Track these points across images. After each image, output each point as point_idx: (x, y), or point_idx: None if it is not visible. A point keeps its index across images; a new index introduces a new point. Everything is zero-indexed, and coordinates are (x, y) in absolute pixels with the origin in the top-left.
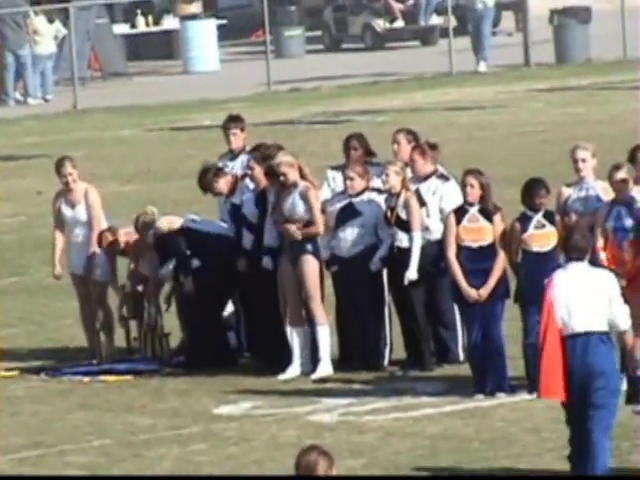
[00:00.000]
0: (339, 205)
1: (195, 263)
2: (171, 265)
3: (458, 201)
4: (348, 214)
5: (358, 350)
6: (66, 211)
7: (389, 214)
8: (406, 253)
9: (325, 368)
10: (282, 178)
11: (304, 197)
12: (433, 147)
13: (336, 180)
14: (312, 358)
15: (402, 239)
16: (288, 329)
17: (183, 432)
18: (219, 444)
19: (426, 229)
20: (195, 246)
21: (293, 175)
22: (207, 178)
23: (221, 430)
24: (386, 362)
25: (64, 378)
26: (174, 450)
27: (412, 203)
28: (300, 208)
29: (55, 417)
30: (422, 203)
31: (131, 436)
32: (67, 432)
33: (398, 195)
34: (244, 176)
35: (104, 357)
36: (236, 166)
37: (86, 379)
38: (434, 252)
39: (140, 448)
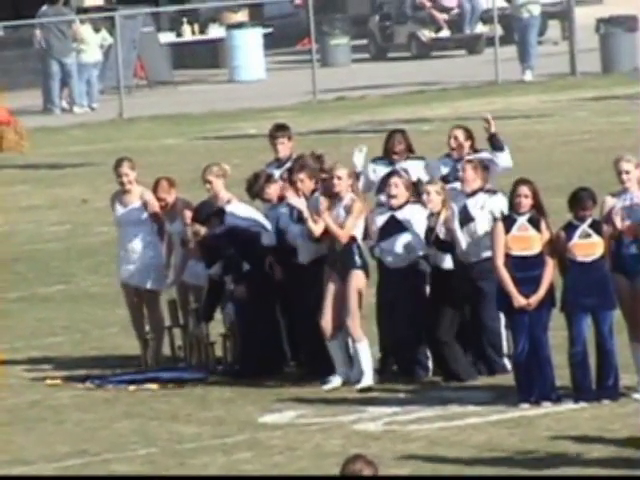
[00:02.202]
0: (382, 218)
1: (245, 266)
2: (219, 267)
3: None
4: (391, 227)
5: (400, 362)
6: (119, 211)
7: (429, 234)
8: (446, 275)
9: (368, 379)
10: (334, 188)
11: (348, 209)
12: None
13: (377, 172)
14: (353, 368)
15: (443, 260)
16: (329, 340)
17: (228, 441)
18: (264, 453)
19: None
20: (245, 248)
21: (342, 186)
22: (258, 184)
23: (266, 439)
24: (430, 374)
25: (109, 386)
26: (219, 459)
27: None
28: (342, 219)
29: (100, 425)
30: (469, 219)
31: (176, 445)
32: (112, 440)
33: (438, 214)
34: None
35: (149, 365)
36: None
37: (131, 387)
38: (480, 269)
39: (185, 457)
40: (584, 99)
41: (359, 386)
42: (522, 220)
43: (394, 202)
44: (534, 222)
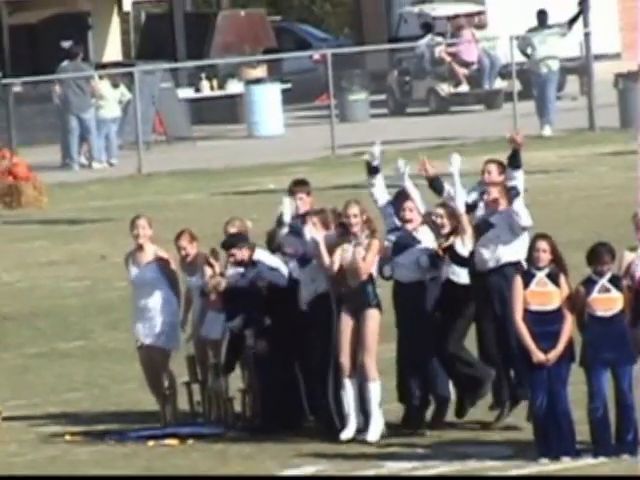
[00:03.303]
0: (395, 235)
1: (266, 321)
2: (240, 320)
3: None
4: (406, 242)
5: (418, 390)
6: (133, 271)
7: (439, 251)
8: (460, 289)
9: (376, 432)
10: (350, 227)
11: (365, 246)
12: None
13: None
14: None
15: (457, 274)
16: (346, 381)
17: None
18: None
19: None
20: (268, 302)
21: (358, 223)
22: (277, 239)
23: None
24: (452, 396)
25: (128, 442)
26: None
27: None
28: (360, 257)
29: None
30: (489, 225)
31: None
32: None
33: (449, 235)
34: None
35: (168, 421)
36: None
37: (150, 443)
38: (498, 274)
39: None
40: (603, 154)
41: (371, 438)
42: (541, 275)
43: (409, 226)
44: (553, 277)
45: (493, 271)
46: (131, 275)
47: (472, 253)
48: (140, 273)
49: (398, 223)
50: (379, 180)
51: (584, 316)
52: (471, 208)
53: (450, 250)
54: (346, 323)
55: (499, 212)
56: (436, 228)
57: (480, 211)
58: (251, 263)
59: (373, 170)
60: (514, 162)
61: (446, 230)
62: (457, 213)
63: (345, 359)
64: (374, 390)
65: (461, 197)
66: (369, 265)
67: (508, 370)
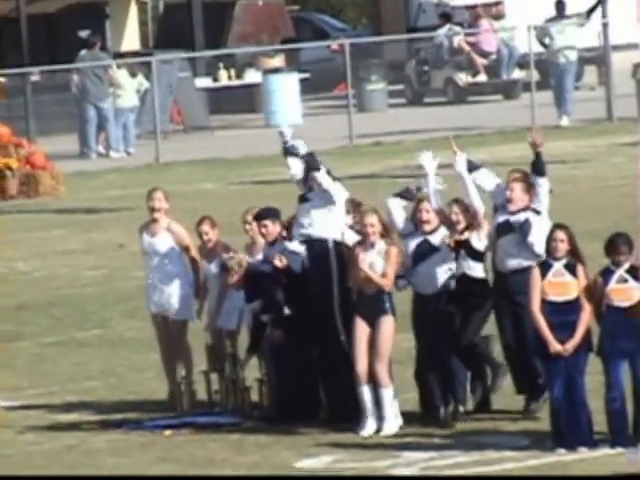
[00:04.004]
0: (414, 242)
1: (286, 311)
2: (259, 304)
3: (543, 236)
4: (425, 250)
5: (438, 399)
6: (146, 240)
7: (452, 244)
8: (476, 283)
9: (391, 427)
10: (367, 237)
11: (386, 254)
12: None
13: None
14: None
15: (473, 268)
16: (363, 388)
17: None
18: None
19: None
20: (289, 292)
21: (376, 233)
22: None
23: None
24: (470, 406)
25: (145, 431)
26: None
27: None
28: (379, 266)
29: (136, 470)
30: (509, 229)
31: None
32: None
33: (464, 230)
34: None
35: (185, 410)
36: None
37: (167, 432)
38: (517, 279)
39: None
40: (621, 144)
41: (383, 434)
42: (558, 265)
43: (427, 227)
44: (570, 268)
45: (515, 272)
46: (144, 244)
47: (492, 252)
48: (153, 243)
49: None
50: (294, 162)
51: (602, 306)
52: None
53: (466, 244)
54: (361, 330)
55: (520, 216)
56: (451, 224)
57: (501, 215)
58: (281, 238)
59: (288, 151)
60: (537, 168)
61: (461, 226)
62: (473, 209)
63: (361, 368)
64: (387, 396)
65: (476, 194)
66: (390, 278)
67: (527, 365)
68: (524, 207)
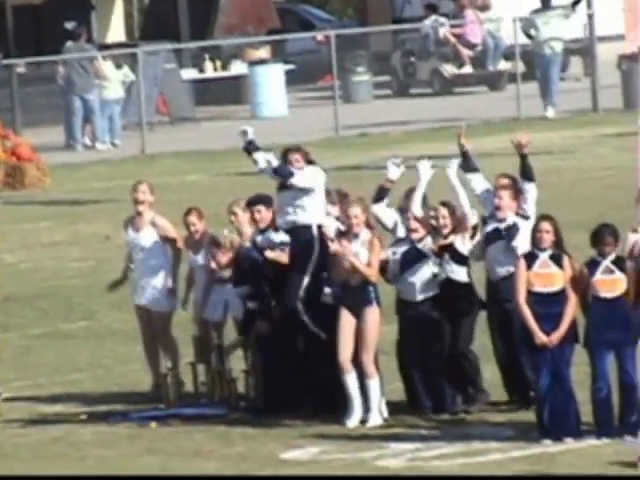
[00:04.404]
0: (402, 249)
1: (272, 302)
2: (246, 289)
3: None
4: (413, 257)
5: (425, 397)
6: (130, 235)
7: (436, 249)
8: (461, 287)
9: (376, 419)
10: (352, 228)
11: (370, 244)
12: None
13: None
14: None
15: (457, 272)
16: (347, 377)
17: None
18: None
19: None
20: (275, 283)
21: (360, 223)
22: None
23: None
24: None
25: (131, 423)
26: None
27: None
28: (363, 256)
29: (122, 462)
30: (498, 237)
31: None
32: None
33: (448, 235)
34: None
35: (171, 401)
36: None
37: (153, 424)
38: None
39: None
40: (606, 135)
41: (368, 425)
42: (544, 256)
43: (415, 236)
44: (556, 259)
45: (505, 279)
46: (128, 238)
47: (484, 260)
48: (137, 237)
49: (402, 235)
50: (260, 156)
51: (588, 297)
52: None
53: (450, 248)
54: (346, 321)
55: (508, 220)
56: (438, 228)
57: (490, 224)
58: (272, 227)
59: (249, 147)
60: (525, 173)
61: (447, 230)
62: (462, 212)
63: (345, 357)
64: (373, 387)
65: (466, 199)
66: (375, 268)
67: (519, 377)
68: (513, 213)
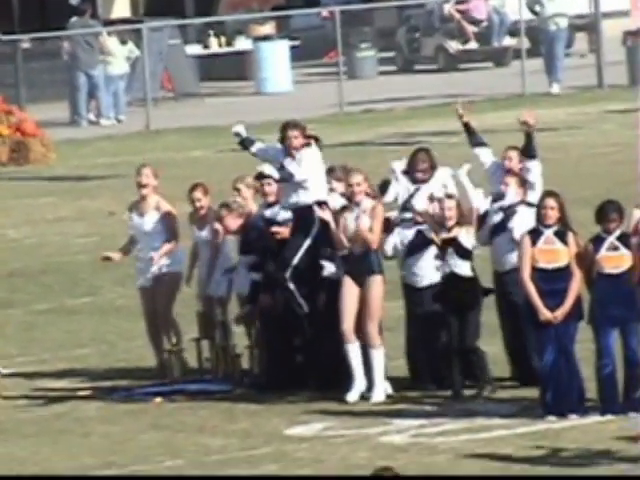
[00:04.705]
0: (408, 233)
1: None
2: (251, 259)
3: (525, 224)
4: (419, 243)
5: (429, 375)
6: (135, 219)
7: (438, 242)
8: (465, 281)
9: (379, 395)
10: (354, 196)
11: (370, 213)
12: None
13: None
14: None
15: (460, 266)
16: (350, 346)
17: (254, 453)
18: (290, 465)
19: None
20: (280, 260)
21: (361, 192)
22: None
23: (292, 451)
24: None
25: (136, 399)
26: (245, 471)
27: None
28: (366, 223)
29: (126, 438)
30: (505, 228)
31: (203, 457)
32: (138, 453)
33: (452, 228)
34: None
35: (175, 377)
36: None
37: (157, 399)
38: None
39: (212, 469)
40: (611, 111)
41: (372, 401)
42: (548, 233)
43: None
44: (561, 235)
45: (512, 271)
46: (133, 222)
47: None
48: (142, 222)
49: (408, 216)
50: (257, 147)
51: (592, 274)
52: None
53: (454, 242)
54: (350, 290)
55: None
56: (441, 220)
57: (495, 215)
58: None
59: (245, 143)
60: (528, 151)
61: (452, 222)
62: (469, 206)
63: (348, 326)
64: (377, 357)
65: (475, 195)
66: (377, 234)
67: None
68: (519, 202)
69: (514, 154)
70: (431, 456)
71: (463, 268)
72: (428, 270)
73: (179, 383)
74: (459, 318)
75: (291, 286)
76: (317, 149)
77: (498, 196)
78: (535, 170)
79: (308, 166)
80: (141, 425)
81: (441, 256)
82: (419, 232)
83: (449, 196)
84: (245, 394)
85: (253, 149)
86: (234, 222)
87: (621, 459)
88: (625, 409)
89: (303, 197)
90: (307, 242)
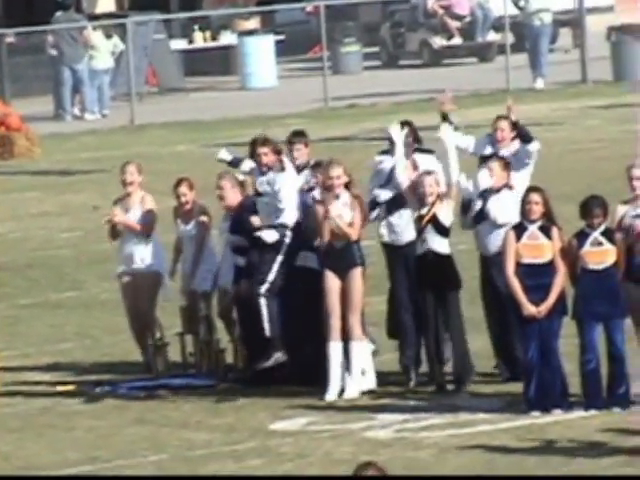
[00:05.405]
0: (388, 194)
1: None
2: (240, 239)
3: (502, 205)
4: (398, 201)
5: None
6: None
7: (419, 220)
8: (443, 259)
9: (352, 391)
10: (333, 189)
11: (352, 204)
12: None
13: (383, 162)
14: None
15: (439, 243)
16: (333, 344)
17: (239, 448)
18: (275, 460)
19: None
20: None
21: (341, 185)
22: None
23: (276, 446)
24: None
25: (120, 393)
26: (230, 466)
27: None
28: (346, 216)
29: (111, 432)
30: (489, 214)
31: (187, 451)
32: (123, 447)
33: (433, 204)
34: (309, 190)
35: (159, 372)
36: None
37: (142, 394)
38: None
39: (196, 464)
40: (595, 107)
41: (345, 397)
42: (533, 228)
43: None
44: (545, 230)
45: (496, 255)
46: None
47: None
48: (127, 218)
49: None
50: (246, 165)
51: (576, 269)
52: (485, 160)
53: (433, 219)
54: (332, 283)
55: (499, 195)
56: (421, 197)
57: (478, 201)
58: (280, 169)
59: (233, 166)
60: (523, 137)
61: (432, 198)
62: (449, 180)
63: (335, 321)
64: (357, 350)
65: (456, 164)
66: (357, 227)
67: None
68: (503, 185)
69: (505, 124)
70: (415, 451)
71: (441, 245)
72: (408, 227)
73: (163, 378)
74: (439, 298)
75: (262, 304)
76: (292, 170)
77: (480, 193)
78: (534, 148)
79: (285, 195)
80: (126, 420)
81: (419, 233)
82: (398, 193)
83: (428, 172)
84: (229, 389)
85: (244, 167)
86: (235, 197)
87: (605, 453)
88: (609, 404)
89: (278, 218)
90: (280, 257)
